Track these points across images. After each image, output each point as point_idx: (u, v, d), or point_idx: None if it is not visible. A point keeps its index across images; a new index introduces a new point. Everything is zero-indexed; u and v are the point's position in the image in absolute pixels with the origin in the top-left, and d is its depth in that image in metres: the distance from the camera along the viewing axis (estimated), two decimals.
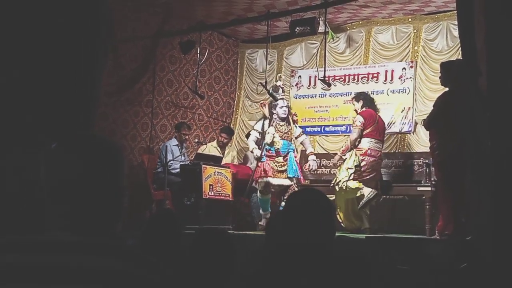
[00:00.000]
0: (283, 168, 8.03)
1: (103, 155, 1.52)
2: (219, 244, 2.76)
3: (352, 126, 8.05)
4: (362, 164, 7.64)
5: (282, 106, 8.18)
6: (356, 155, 7.67)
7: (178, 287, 1.49)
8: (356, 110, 8.05)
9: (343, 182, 7.63)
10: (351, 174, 7.61)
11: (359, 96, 8.10)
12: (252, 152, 8.30)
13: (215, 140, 9.66)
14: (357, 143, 7.75)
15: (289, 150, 8.13)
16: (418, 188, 7.67)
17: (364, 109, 7.92)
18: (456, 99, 6.12)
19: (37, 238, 1.44)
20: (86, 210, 1.47)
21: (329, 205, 2.46)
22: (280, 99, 8.24)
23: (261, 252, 2.81)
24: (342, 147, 8.13)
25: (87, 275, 1.37)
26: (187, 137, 9.20)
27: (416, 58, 9.43)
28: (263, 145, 8.00)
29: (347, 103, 9.83)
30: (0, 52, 4.45)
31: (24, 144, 4.35)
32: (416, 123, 9.08)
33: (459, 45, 6.06)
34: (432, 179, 7.35)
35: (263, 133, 8.12)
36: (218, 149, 9.37)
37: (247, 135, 8.80)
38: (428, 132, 6.95)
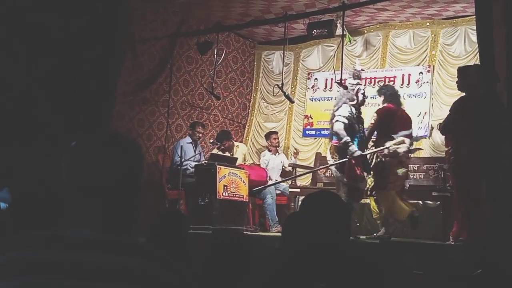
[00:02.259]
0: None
1: (123, 153, 1.52)
2: (236, 244, 2.77)
3: None
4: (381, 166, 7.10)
5: (363, 93, 7.49)
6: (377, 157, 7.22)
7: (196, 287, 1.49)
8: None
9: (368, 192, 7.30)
10: (371, 180, 7.23)
11: (380, 91, 7.67)
12: (349, 145, 7.06)
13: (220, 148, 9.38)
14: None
15: None
16: (433, 193, 7.63)
17: (385, 104, 7.44)
18: (473, 104, 6.08)
19: (61, 235, 1.45)
20: (105, 208, 1.48)
21: (345, 208, 2.46)
22: (358, 84, 7.49)
23: (277, 255, 2.81)
24: None
25: (113, 274, 1.37)
26: (200, 135, 9.14)
27: (434, 62, 9.39)
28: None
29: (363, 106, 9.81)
30: (19, 52, 4.49)
31: (40, 141, 4.38)
32: (432, 128, 9.03)
33: (477, 50, 6.04)
34: (447, 184, 7.31)
35: (352, 121, 7.18)
36: (227, 152, 9.30)
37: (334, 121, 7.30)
38: (443, 137, 6.92)
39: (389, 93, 7.49)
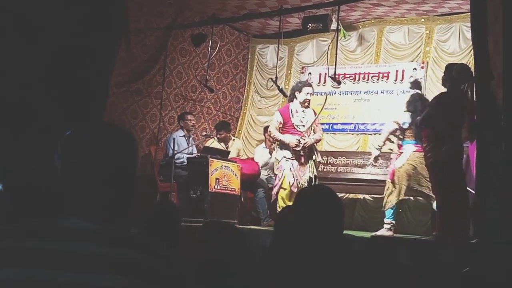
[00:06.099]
0: None
1: (118, 143, 1.52)
2: (227, 237, 2.77)
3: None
4: None
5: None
6: None
7: (189, 279, 1.49)
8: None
9: None
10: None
11: None
12: None
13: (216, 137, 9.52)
14: None
15: None
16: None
17: None
18: (452, 101, 6.15)
19: (58, 224, 1.44)
20: (100, 198, 1.48)
21: (338, 202, 2.46)
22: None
23: (269, 249, 2.82)
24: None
25: (110, 265, 1.37)
26: (193, 122, 9.11)
27: (428, 59, 9.41)
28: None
29: (356, 101, 9.83)
30: (12, 40, 4.47)
31: (33, 130, 4.37)
32: None
33: (472, 47, 6.06)
34: None
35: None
36: (222, 144, 9.32)
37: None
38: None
39: None
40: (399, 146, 7.13)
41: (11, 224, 1.46)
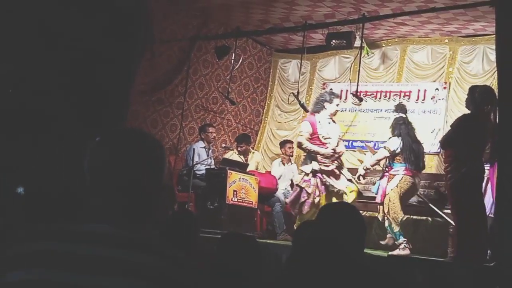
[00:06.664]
0: None
1: (148, 150, 1.54)
2: (247, 249, 2.77)
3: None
4: None
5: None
6: None
7: (200, 282, 1.50)
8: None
9: None
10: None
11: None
12: None
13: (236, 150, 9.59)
14: None
15: None
16: (444, 210, 7.60)
17: None
18: (474, 123, 6.14)
19: (80, 229, 1.46)
20: (127, 203, 1.49)
21: (360, 220, 2.46)
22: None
23: (287, 262, 2.82)
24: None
25: (129, 270, 1.38)
26: (214, 135, 9.17)
27: (450, 79, 9.37)
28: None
29: (377, 119, 9.80)
30: (36, 46, 4.51)
31: (55, 138, 4.40)
32: None
33: (495, 69, 6.03)
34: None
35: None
36: (242, 156, 9.35)
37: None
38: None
39: None
40: (389, 168, 7.14)
41: (35, 227, 1.48)
